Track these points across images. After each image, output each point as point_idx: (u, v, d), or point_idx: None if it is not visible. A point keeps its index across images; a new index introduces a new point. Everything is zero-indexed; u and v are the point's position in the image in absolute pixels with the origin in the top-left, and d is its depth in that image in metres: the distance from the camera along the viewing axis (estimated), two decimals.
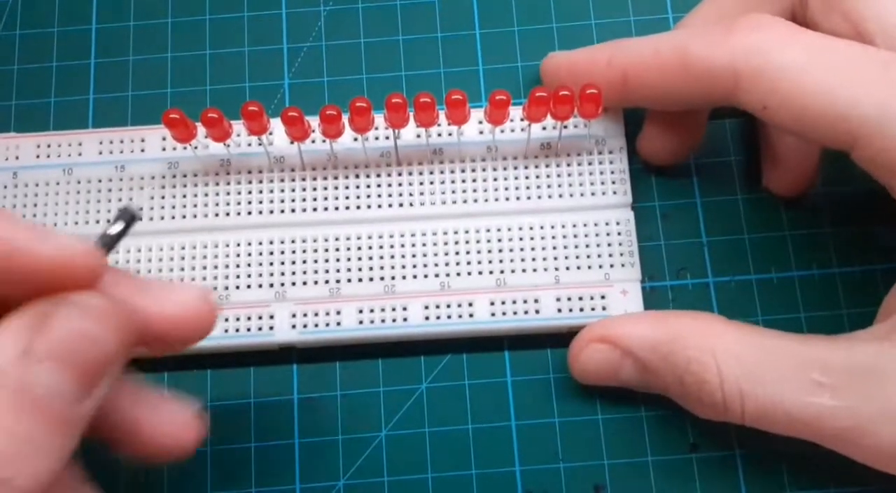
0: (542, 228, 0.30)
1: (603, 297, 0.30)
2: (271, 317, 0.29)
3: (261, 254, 0.30)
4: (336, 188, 0.31)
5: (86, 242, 0.20)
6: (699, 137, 0.32)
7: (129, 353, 0.20)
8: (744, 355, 0.25)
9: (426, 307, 0.30)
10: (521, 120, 0.31)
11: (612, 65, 0.28)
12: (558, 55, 0.31)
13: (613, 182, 0.31)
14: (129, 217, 0.22)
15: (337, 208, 0.31)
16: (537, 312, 0.30)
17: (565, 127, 0.31)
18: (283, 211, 0.31)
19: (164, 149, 0.31)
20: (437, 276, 0.30)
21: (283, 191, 0.31)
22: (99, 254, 0.20)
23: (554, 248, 0.30)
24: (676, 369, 0.26)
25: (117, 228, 0.22)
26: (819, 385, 0.23)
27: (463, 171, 0.31)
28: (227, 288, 0.30)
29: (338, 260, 0.30)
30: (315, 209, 0.31)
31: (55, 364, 0.18)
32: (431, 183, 0.31)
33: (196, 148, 0.30)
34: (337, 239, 0.30)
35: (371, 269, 0.30)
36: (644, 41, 0.28)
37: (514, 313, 0.30)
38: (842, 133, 0.24)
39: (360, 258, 0.30)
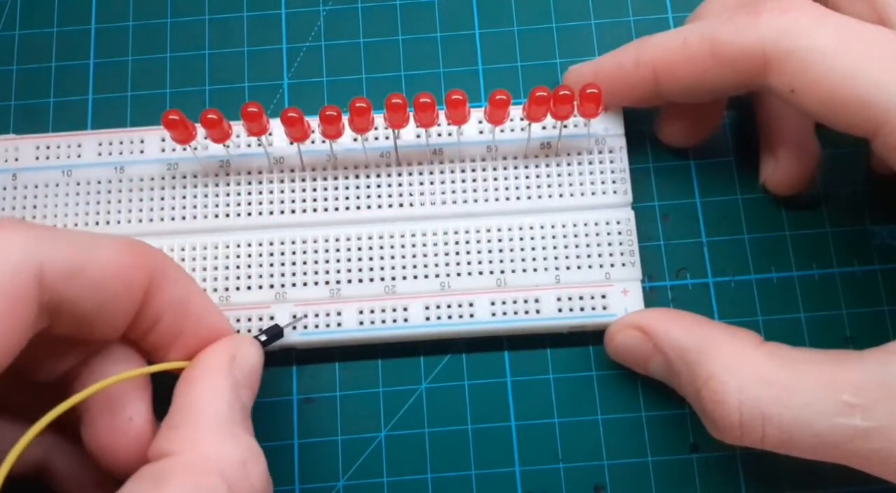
0: (542, 227, 0.30)
1: (604, 296, 0.30)
2: (272, 318, 0.29)
3: (261, 255, 0.30)
4: (336, 189, 0.31)
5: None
6: (718, 120, 0.32)
7: None
8: (770, 378, 0.24)
9: (426, 308, 0.30)
10: (521, 120, 0.31)
11: (640, 64, 0.28)
12: (581, 67, 0.31)
13: (614, 181, 0.31)
14: (274, 334, 0.28)
15: (337, 209, 0.31)
16: (538, 312, 0.30)
17: (565, 126, 0.31)
18: (283, 212, 0.31)
19: (163, 150, 0.31)
20: (437, 276, 0.30)
21: (282, 192, 0.31)
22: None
23: (554, 247, 0.30)
24: (696, 380, 0.25)
25: (262, 338, 0.28)
26: (849, 406, 0.23)
27: (463, 171, 0.31)
28: (227, 289, 0.30)
29: (338, 261, 0.30)
30: (315, 210, 0.31)
31: (249, 390, 0.25)
32: (431, 183, 0.31)
33: (195, 149, 0.30)
34: (337, 240, 0.30)
35: (371, 269, 0.30)
36: (669, 35, 0.28)
37: (515, 313, 0.30)
38: (866, 119, 0.24)
39: (360, 259, 0.30)
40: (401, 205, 0.31)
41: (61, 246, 0.21)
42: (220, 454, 0.22)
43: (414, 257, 0.30)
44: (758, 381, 0.24)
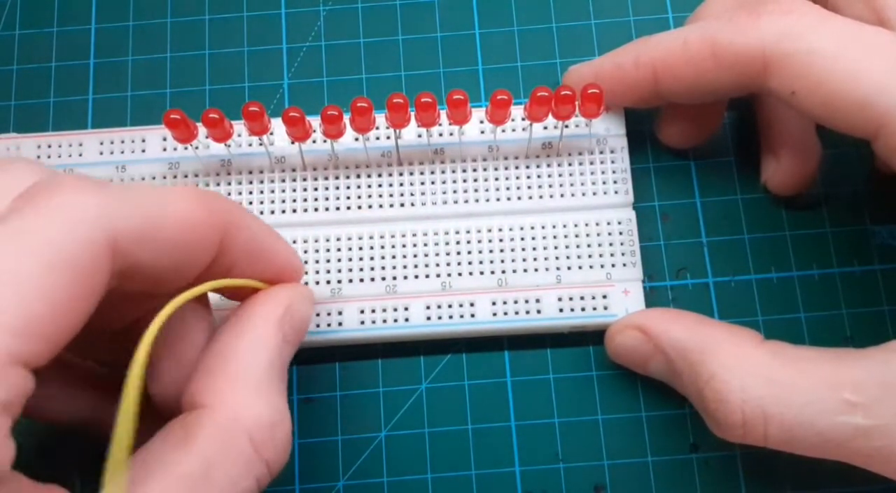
0: (543, 227, 0.30)
1: (604, 296, 0.30)
2: None
3: None
4: (337, 188, 0.31)
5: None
6: (718, 122, 0.32)
7: None
8: (772, 376, 0.24)
9: (427, 307, 0.30)
10: (523, 119, 0.31)
11: (639, 64, 0.28)
12: (580, 68, 0.31)
13: (615, 181, 0.31)
14: None
15: (338, 208, 0.31)
16: (539, 312, 0.30)
17: (567, 126, 0.31)
18: (283, 211, 0.31)
19: (164, 149, 0.31)
20: (438, 276, 0.30)
21: (283, 191, 0.31)
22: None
23: (555, 247, 0.30)
24: (698, 380, 0.25)
25: None
26: (851, 405, 0.23)
27: (464, 171, 0.31)
28: None
29: (339, 260, 0.30)
30: (316, 209, 0.31)
31: (293, 346, 0.25)
32: (433, 183, 0.31)
33: (197, 148, 0.30)
34: (338, 239, 0.30)
35: (372, 269, 0.30)
36: (669, 35, 0.28)
37: (516, 313, 0.30)
38: (867, 120, 0.24)
39: (361, 258, 0.30)
40: (402, 205, 0.31)
41: (134, 210, 0.20)
42: (250, 416, 0.22)
43: (415, 256, 0.30)
44: (760, 380, 0.24)
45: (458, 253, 0.30)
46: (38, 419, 0.26)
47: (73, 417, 0.26)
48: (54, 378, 0.26)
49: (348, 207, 0.31)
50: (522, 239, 0.30)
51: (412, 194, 0.31)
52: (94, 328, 0.21)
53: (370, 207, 0.31)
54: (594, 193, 0.31)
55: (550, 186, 0.31)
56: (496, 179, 0.31)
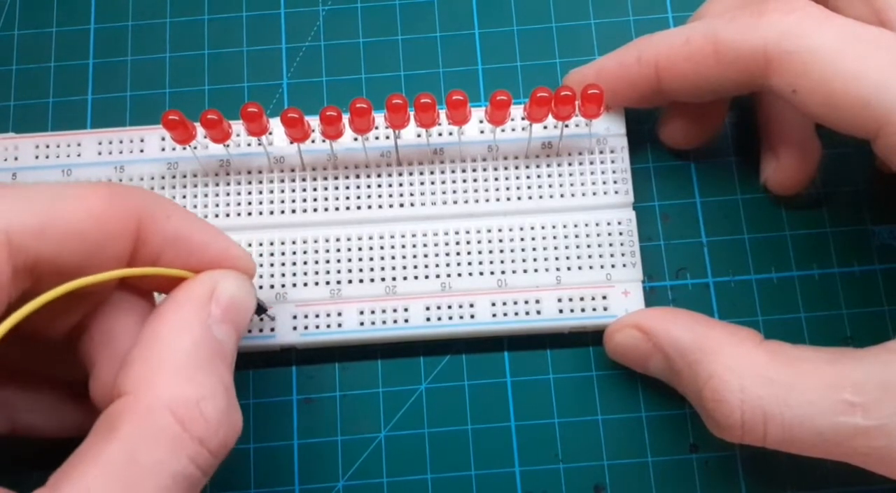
0: (543, 228, 0.30)
1: (604, 297, 0.30)
2: (272, 319, 0.29)
3: (261, 255, 0.30)
4: (336, 189, 0.31)
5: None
6: (721, 122, 0.32)
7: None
8: (772, 376, 0.24)
9: (427, 308, 0.30)
10: (522, 120, 0.31)
11: (642, 62, 0.28)
12: (582, 69, 0.31)
13: (615, 182, 0.31)
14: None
15: (337, 209, 0.31)
16: (538, 312, 0.30)
17: (567, 126, 0.31)
18: (283, 212, 0.30)
19: (163, 149, 0.31)
20: (437, 276, 0.30)
21: (283, 191, 0.31)
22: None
23: (555, 248, 0.30)
24: (698, 380, 0.25)
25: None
26: (850, 405, 0.23)
27: (464, 171, 0.31)
28: None
29: (338, 261, 0.30)
30: (315, 210, 0.31)
31: (231, 326, 0.23)
32: (432, 183, 0.31)
33: (196, 149, 0.30)
34: (338, 240, 0.30)
35: (372, 270, 0.30)
36: (672, 33, 0.28)
37: (516, 313, 0.30)
38: (867, 120, 0.24)
39: (360, 259, 0.30)
40: (401, 205, 0.31)
41: (27, 205, 0.20)
42: (171, 394, 0.21)
43: (415, 257, 0.30)
44: (759, 380, 0.24)
45: (458, 254, 0.30)
46: (31, 437, 0.27)
47: (62, 431, 0.26)
48: (44, 393, 0.27)
49: (347, 208, 0.31)
50: (522, 239, 0.30)
51: (412, 195, 0.31)
52: (38, 336, 0.22)
53: (369, 207, 0.31)
54: (594, 194, 0.31)
55: (550, 186, 0.31)
56: (496, 179, 0.31)
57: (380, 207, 0.31)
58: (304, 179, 0.31)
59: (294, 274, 0.30)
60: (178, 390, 0.21)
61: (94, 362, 0.24)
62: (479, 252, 0.30)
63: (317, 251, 0.30)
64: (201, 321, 0.23)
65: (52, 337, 0.24)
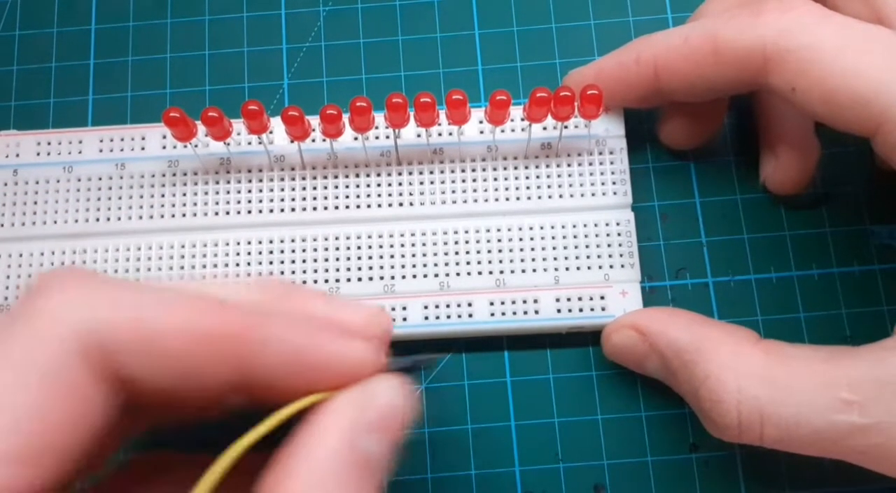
0: (541, 228, 0.30)
1: (602, 297, 0.30)
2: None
3: (260, 253, 0.30)
4: (336, 188, 0.31)
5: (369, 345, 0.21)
6: (720, 122, 0.32)
7: None
8: (768, 376, 0.24)
9: (426, 307, 0.30)
10: (522, 120, 0.31)
11: (641, 61, 0.28)
12: (582, 70, 0.31)
13: (614, 183, 0.31)
14: (417, 369, 0.25)
15: (337, 208, 0.31)
16: (537, 312, 0.30)
17: (566, 127, 0.31)
18: (283, 210, 0.31)
19: (164, 147, 0.31)
20: (436, 276, 0.30)
21: (283, 190, 0.31)
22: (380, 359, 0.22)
23: (554, 248, 0.30)
24: (694, 380, 0.25)
25: (405, 364, 0.24)
26: (847, 403, 0.23)
27: (463, 171, 0.31)
28: None
29: (337, 260, 0.30)
30: (315, 209, 0.31)
31: (379, 435, 0.20)
32: (432, 183, 0.31)
33: (196, 147, 0.30)
34: (336, 238, 0.30)
35: (371, 268, 0.30)
36: (671, 33, 0.28)
37: (514, 313, 0.30)
38: (866, 118, 0.24)
39: (359, 258, 0.30)
40: (401, 204, 0.31)
41: (124, 313, 0.18)
42: None
43: (413, 256, 0.30)
44: (756, 379, 0.24)
45: (457, 253, 0.30)
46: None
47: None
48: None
49: (347, 207, 0.31)
50: (521, 239, 0.30)
51: (411, 194, 0.31)
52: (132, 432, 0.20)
53: (369, 206, 0.31)
54: (593, 194, 0.31)
55: (549, 186, 0.31)
56: (495, 179, 0.31)
57: (379, 206, 0.31)
58: (303, 178, 0.31)
59: (293, 272, 0.30)
60: None
61: None
62: (478, 252, 0.30)
63: (315, 250, 0.30)
64: (343, 432, 0.20)
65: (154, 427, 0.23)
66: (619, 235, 0.30)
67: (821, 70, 0.25)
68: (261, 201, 0.31)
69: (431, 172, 0.31)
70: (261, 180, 0.31)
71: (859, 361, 0.24)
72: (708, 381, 0.25)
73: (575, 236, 0.30)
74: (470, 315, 0.30)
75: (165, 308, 0.19)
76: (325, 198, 0.31)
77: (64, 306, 0.17)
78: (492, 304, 0.30)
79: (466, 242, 0.30)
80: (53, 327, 0.17)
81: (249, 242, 0.30)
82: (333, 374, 0.21)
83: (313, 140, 0.31)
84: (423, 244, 0.30)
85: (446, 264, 0.30)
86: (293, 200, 0.31)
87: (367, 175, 0.31)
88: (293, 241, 0.30)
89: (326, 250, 0.30)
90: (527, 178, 0.31)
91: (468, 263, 0.30)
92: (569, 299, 0.30)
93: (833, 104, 0.25)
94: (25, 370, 0.17)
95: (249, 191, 0.31)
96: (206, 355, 0.19)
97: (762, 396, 0.24)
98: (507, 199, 0.31)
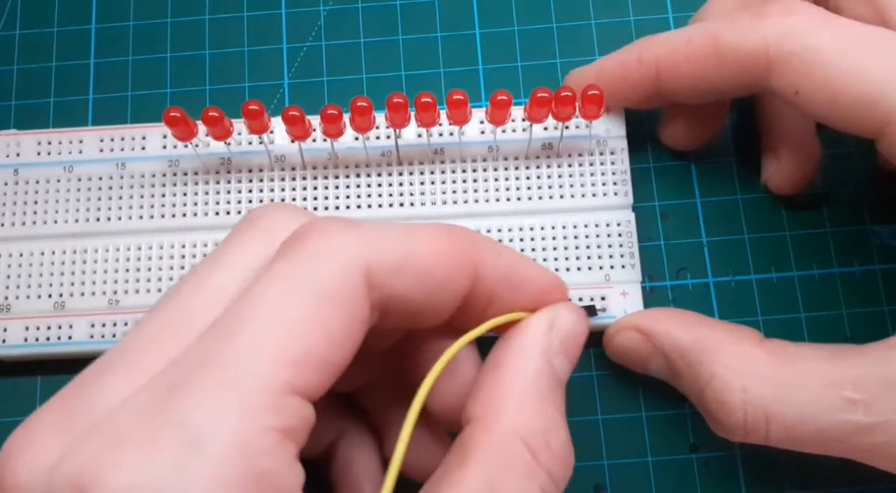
0: (542, 228, 0.30)
1: (603, 298, 0.30)
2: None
3: None
4: (337, 188, 0.31)
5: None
6: (721, 123, 0.32)
7: None
8: (773, 376, 0.24)
9: None
10: (523, 120, 0.31)
11: (643, 62, 0.28)
12: (583, 69, 0.31)
13: (615, 183, 0.31)
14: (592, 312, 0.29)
15: (338, 208, 0.31)
16: None
17: (567, 128, 0.31)
18: None
19: (164, 147, 0.31)
20: None
21: (283, 190, 0.31)
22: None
23: (554, 249, 0.30)
24: (698, 380, 0.25)
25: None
26: (851, 402, 0.23)
27: (464, 171, 0.31)
28: None
29: None
30: (316, 208, 0.31)
31: (566, 358, 0.24)
32: (432, 183, 0.31)
33: (197, 146, 0.30)
34: None
35: None
36: (673, 34, 0.28)
37: None
38: (871, 119, 0.24)
39: None
40: (401, 204, 0.31)
41: (386, 244, 0.21)
42: (520, 421, 0.21)
43: None
44: (760, 379, 0.24)
45: None
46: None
47: (315, 448, 0.26)
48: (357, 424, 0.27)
49: (348, 207, 0.31)
50: (521, 240, 0.30)
51: (412, 194, 0.31)
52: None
53: (370, 206, 0.31)
54: (593, 195, 0.31)
55: (550, 187, 0.31)
56: (496, 179, 0.31)
57: (380, 206, 0.31)
58: (304, 178, 0.31)
59: None
60: (526, 419, 0.21)
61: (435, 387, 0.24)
62: None
63: None
64: (541, 352, 0.23)
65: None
66: (619, 235, 0.30)
67: (825, 72, 0.25)
68: (261, 201, 0.31)
69: (432, 173, 0.31)
70: (261, 180, 0.31)
71: (863, 359, 0.24)
72: (712, 381, 0.25)
73: (576, 237, 0.30)
74: None
75: (416, 233, 0.21)
76: (326, 198, 0.31)
77: (339, 242, 0.20)
78: None
79: None
80: (338, 258, 0.20)
81: None
82: (536, 291, 0.24)
83: (314, 140, 0.30)
84: None
85: None
86: (294, 200, 0.31)
87: (368, 175, 0.31)
88: None
89: None
90: (527, 178, 0.31)
91: None
92: (569, 300, 0.30)
93: (838, 106, 0.25)
94: (315, 294, 0.19)
95: (250, 191, 0.31)
96: (452, 268, 0.22)
97: (767, 396, 0.24)
98: (508, 199, 0.31)
